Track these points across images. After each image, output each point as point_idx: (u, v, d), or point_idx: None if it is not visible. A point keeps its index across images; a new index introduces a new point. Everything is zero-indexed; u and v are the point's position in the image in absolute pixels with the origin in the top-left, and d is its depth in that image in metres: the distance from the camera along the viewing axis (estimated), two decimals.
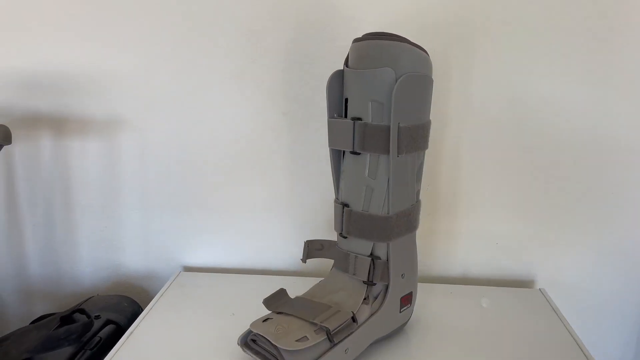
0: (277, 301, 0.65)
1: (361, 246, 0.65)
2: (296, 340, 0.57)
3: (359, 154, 0.62)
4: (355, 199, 0.64)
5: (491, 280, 0.89)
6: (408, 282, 0.67)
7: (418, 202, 0.67)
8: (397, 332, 0.70)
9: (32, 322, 0.79)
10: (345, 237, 0.66)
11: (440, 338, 0.71)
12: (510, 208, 0.86)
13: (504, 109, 0.81)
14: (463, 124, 0.82)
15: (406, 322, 0.71)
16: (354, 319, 0.61)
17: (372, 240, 0.63)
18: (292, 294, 0.68)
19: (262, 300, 0.65)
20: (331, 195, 0.86)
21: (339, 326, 0.59)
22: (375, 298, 0.65)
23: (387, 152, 0.60)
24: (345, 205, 0.65)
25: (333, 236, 0.84)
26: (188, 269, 0.93)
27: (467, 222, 0.87)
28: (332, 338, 0.59)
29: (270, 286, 0.82)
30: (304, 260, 0.71)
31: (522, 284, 0.89)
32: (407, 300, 0.68)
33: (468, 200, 0.86)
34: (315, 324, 0.60)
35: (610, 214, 0.85)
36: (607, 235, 0.86)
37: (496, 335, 0.72)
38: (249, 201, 0.88)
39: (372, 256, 0.64)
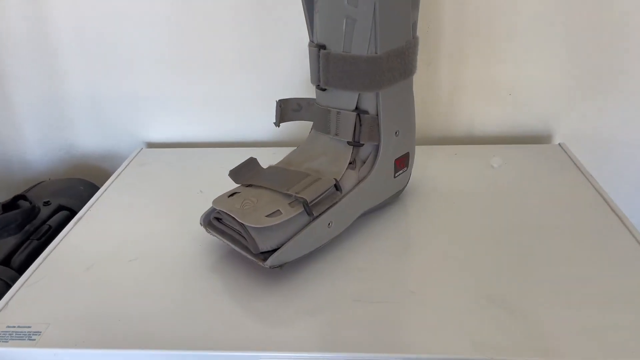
0: (246, 172, 0.55)
1: (344, 99, 0.52)
2: (266, 216, 0.47)
3: None
4: (334, 38, 0.50)
5: (502, 138, 0.78)
6: (403, 142, 0.55)
7: (415, 38, 0.53)
8: (392, 200, 0.60)
9: None
10: (323, 90, 0.53)
11: (444, 204, 0.61)
12: (524, 52, 0.72)
13: None
14: None
15: (402, 189, 0.60)
16: (337, 187, 0.51)
17: (357, 90, 0.51)
18: (266, 164, 0.56)
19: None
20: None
21: (319, 196, 0.49)
22: (364, 162, 0.54)
23: None
24: (321, 47, 0.51)
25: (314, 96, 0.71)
26: (151, 145, 0.81)
27: (474, 71, 0.74)
28: (310, 211, 0.48)
29: (243, 159, 0.70)
30: (277, 124, 0.58)
31: (539, 139, 0.78)
32: (402, 163, 0.57)
33: (475, 45, 0.72)
34: (290, 196, 0.49)
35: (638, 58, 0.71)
36: (635, 81, 0.72)
37: (511, 196, 0.62)
38: (214, 60, 0.73)
39: (358, 110, 0.52)
